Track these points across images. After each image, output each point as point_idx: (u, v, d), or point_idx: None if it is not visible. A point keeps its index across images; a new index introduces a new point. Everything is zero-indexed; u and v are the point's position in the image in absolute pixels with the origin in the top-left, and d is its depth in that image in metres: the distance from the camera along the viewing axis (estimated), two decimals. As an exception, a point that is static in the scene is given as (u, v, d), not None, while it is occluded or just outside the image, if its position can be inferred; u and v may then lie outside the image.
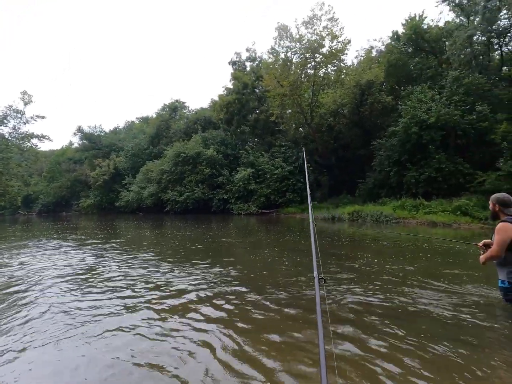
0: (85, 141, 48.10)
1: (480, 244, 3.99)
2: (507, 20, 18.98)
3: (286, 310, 4.21)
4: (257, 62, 33.81)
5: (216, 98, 35.35)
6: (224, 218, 23.83)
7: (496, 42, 20.62)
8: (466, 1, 19.89)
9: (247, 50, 33.65)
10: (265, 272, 6.39)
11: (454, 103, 18.53)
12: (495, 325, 3.55)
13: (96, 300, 4.90)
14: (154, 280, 5.96)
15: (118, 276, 6.39)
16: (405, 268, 6.57)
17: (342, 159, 27.22)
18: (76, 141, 50.86)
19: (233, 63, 33.55)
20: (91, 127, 48.55)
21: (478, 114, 17.59)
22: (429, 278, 5.66)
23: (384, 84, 26.20)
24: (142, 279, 6.04)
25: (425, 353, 3.01)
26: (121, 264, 7.57)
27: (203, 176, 30.29)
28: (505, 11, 18.60)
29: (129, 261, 7.88)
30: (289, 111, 29.76)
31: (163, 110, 42.84)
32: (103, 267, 7.29)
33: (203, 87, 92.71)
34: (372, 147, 22.69)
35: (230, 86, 33.12)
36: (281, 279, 5.78)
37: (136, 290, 5.37)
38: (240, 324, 3.83)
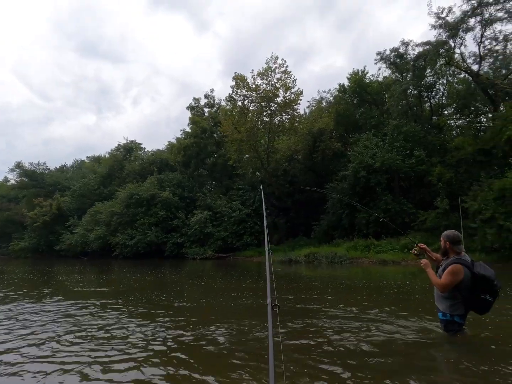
0: (24, 178, 44.18)
1: (421, 245, 4.07)
2: (432, 77, 21.86)
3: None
4: (215, 108, 34.94)
5: (174, 141, 35.53)
6: (178, 263, 22.60)
7: (425, 95, 23.48)
8: (399, 60, 22.71)
9: (206, 96, 34.84)
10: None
11: (396, 149, 20.20)
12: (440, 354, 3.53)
13: None
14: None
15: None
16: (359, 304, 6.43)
17: (297, 202, 27.82)
18: (13, 178, 46.47)
19: (191, 108, 34.31)
20: (33, 164, 45.19)
21: (416, 159, 19.27)
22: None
23: (334, 132, 28.10)
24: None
25: None
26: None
27: (157, 219, 29.11)
28: (429, 70, 21.47)
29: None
30: (246, 156, 30.42)
31: (117, 150, 41.70)
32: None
33: (160, 130, 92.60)
34: (325, 190, 23.53)
35: (188, 129, 33.58)
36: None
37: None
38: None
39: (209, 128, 32.59)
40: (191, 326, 4.99)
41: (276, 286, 9.79)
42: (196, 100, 34.68)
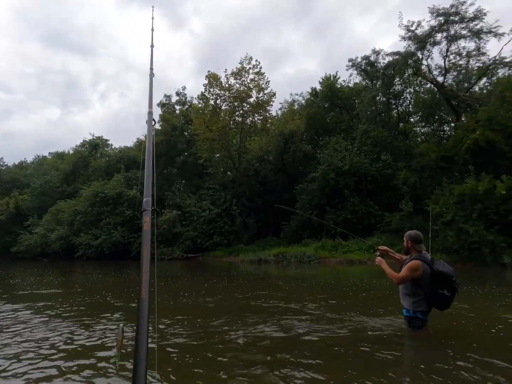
0: (-22, 176, 41.33)
1: (381, 247, 4.22)
2: (400, 85, 22.88)
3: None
4: (187, 106, 34.34)
5: (143, 138, 34.34)
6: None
7: (393, 102, 24.49)
8: (369, 68, 23.53)
9: (177, 93, 34.17)
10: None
11: (364, 153, 20.77)
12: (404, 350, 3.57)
13: None
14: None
15: None
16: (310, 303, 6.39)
17: (268, 202, 27.83)
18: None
19: (162, 104, 33.47)
20: (-11, 160, 42.38)
21: (383, 163, 19.93)
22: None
23: (305, 134, 28.43)
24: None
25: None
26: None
27: (124, 218, 28.02)
28: (398, 79, 22.43)
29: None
30: (218, 155, 30.16)
31: (82, 146, 39.71)
32: None
33: (129, 126, 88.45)
34: (295, 191, 23.73)
35: (158, 127, 32.63)
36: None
37: None
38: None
39: (180, 126, 31.95)
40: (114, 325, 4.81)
41: (238, 285, 9.64)
42: (167, 97, 33.96)
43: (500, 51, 19.57)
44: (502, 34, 18.64)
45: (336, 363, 3.16)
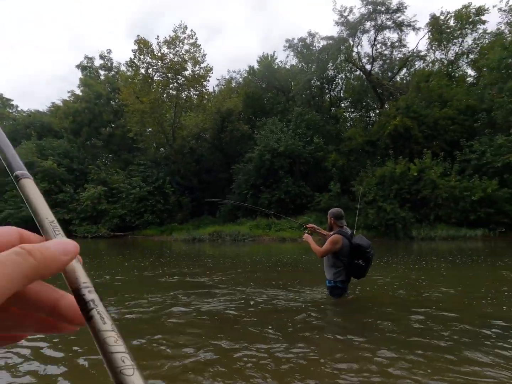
0: None
1: (309, 225, 4.49)
2: (333, 71, 24.02)
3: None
4: (113, 73, 31.17)
5: (59, 103, 30.36)
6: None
7: (326, 87, 25.60)
8: (305, 50, 24.03)
9: (101, 57, 30.67)
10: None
11: (298, 135, 21.45)
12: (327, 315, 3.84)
13: None
14: None
15: None
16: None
17: (204, 181, 27.30)
18: None
19: (83, 67, 29.78)
20: None
21: (315, 146, 20.86)
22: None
23: (242, 114, 28.21)
24: None
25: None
26: None
27: (37, 192, 24.87)
28: (331, 64, 23.48)
29: None
30: (150, 129, 28.25)
31: (-25, 104, 33.74)
32: None
33: (40, 88, 74.50)
34: (232, 171, 23.64)
35: (79, 92, 29.14)
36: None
37: None
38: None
39: (106, 94, 28.99)
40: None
41: (160, 264, 9.07)
42: (89, 59, 30.29)
43: (417, 44, 21.81)
44: (419, 29, 20.82)
45: (203, 332, 3.24)
